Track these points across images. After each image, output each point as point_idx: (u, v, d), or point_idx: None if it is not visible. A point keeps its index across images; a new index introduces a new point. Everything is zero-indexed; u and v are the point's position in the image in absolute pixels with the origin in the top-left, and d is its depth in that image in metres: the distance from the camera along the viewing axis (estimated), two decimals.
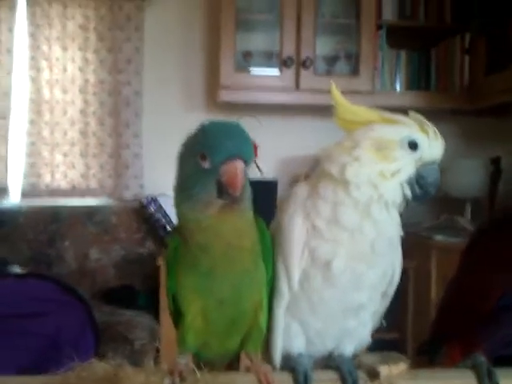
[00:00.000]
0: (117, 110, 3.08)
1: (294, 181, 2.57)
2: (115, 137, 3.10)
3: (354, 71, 3.02)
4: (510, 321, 1.00)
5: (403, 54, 3.16)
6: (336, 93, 0.86)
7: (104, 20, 3.09)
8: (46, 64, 3.08)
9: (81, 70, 3.10)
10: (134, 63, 3.09)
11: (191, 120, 3.12)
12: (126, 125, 3.07)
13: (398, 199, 0.83)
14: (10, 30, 3.04)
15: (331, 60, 3.12)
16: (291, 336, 0.88)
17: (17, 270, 2.23)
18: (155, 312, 2.47)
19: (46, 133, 3.08)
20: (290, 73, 2.93)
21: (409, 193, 0.83)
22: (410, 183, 0.82)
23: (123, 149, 3.08)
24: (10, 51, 3.04)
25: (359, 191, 0.80)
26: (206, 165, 0.76)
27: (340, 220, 0.81)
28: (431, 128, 0.82)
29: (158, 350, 2.17)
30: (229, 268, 0.80)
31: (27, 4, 3.03)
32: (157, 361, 0.81)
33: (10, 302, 1.88)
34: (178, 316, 0.87)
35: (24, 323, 1.84)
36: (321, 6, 2.99)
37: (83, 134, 3.11)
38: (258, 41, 3.12)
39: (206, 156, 0.76)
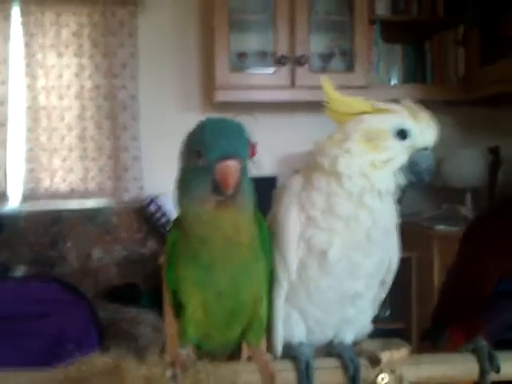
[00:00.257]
0: (114, 113, 3.09)
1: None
2: (113, 140, 3.11)
3: (349, 67, 3.03)
4: (509, 305, 1.01)
5: (398, 48, 3.18)
6: (327, 86, 0.86)
7: (97, 26, 3.09)
8: (42, 71, 3.08)
9: (76, 75, 3.11)
10: (129, 67, 3.10)
11: (188, 121, 3.12)
12: (124, 128, 3.08)
13: (392, 187, 0.83)
14: (5, 39, 3.05)
15: (326, 57, 3.12)
16: (291, 325, 0.88)
17: (22, 269, 2.24)
18: (159, 309, 2.48)
19: (43, 139, 3.09)
20: (285, 70, 2.94)
21: (403, 180, 0.83)
22: (403, 171, 0.83)
23: (122, 151, 3.09)
24: (5, 61, 3.05)
25: (351, 182, 0.81)
26: (202, 162, 0.77)
27: (334, 210, 0.81)
28: (423, 114, 0.83)
29: (162, 346, 2.17)
30: (227, 261, 0.81)
31: (21, 14, 3.05)
32: (160, 355, 0.81)
33: (13, 304, 1.89)
34: (178, 308, 0.87)
35: (28, 324, 1.85)
36: (314, 3, 3.00)
37: (81, 138, 3.12)
38: (252, 41, 3.13)
39: (201, 153, 0.77)
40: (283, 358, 0.88)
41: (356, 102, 0.85)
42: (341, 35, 3.12)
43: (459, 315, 1.05)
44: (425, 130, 0.82)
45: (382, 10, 3.07)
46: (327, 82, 0.86)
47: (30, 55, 3.07)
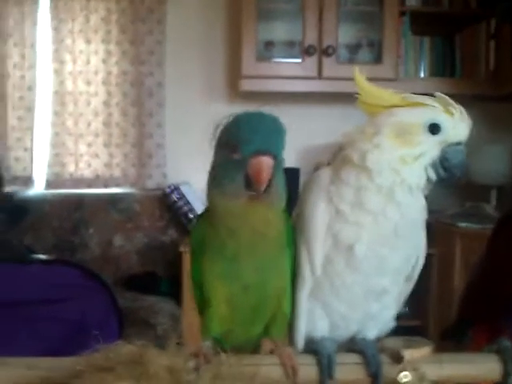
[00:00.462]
0: (140, 100, 3.11)
1: (316, 168, 2.56)
2: (138, 127, 3.13)
3: (377, 59, 2.99)
4: None
5: (427, 40, 3.12)
6: (359, 77, 0.85)
7: (126, 13, 3.10)
8: (70, 57, 3.11)
9: (104, 61, 3.13)
10: (156, 55, 3.11)
11: (213, 110, 3.18)
12: (150, 115, 3.10)
13: (422, 183, 0.82)
14: (34, 24, 3.08)
15: (354, 48, 3.09)
16: (315, 320, 0.88)
17: (42, 257, 2.27)
18: (177, 298, 2.50)
19: (69, 124, 3.13)
20: (312, 61, 2.92)
21: (433, 176, 0.82)
22: (434, 166, 0.81)
23: (146, 138, 3.10)
24: (33, 45, 3.08)
25: (381, 177, 0.80)
26: (237, 156, 0.77)
27: (364, 204, 0.80)
28: (457, 108, 0.81)
29: (180, 335, 2.19)
30: (254, 254, 0.81)
31: None
32: (180, 345, 0.82)
33: (35, 288, 1.92)
34: (203, 304, 0.87)
35: (49, 309, 1.88)
36: None
37: (106, 124, 3.15)
38: (279, 30, 3.11)
39: (236, 148, 0.77)
40: (305, 353, 0.88)
41: (387, 95, 0.84)
42: (369, 26, 3.08)
43: (484, 315, 1.04)
44: (458, 125, 0.81)
45: (412, 1, 3.03)
46: (359, 73, 0.85)
47: (58, 40, 3.09)
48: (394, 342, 0.87)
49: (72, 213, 2.96)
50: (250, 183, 0.76)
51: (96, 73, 3.13)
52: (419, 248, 0.88)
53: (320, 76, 2.92)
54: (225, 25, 3.21)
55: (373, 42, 3.05)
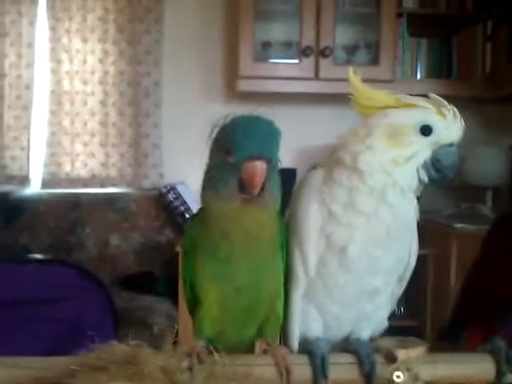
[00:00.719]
0: (136, 100, 3.11)
1: (312, 169, 2.56)
2: (135, 127, 3.13)
3: (374, 60, 3.00)
4: None
5: (424, 42, 3.14)
6: (354, 78, 0.85)
7: (123, 12, 3.10)
8: (67, 56, 3.11)
9: (100, 61, 3.13)
10: (153, 54, 3.10)
11: (210, 110, 3.18)
12: (146, 115, 3.10)
13: (414, 184, 0.82)
14: (31, 23, 3.08)
15: (351, 49, 3.10)
16: (308, 320, 0.88)
17: (38, 257, 2.27)
18: (174, 298, 2.50)
19: (66, 123, 3.12)
20: (309, 62, 2.92)
21: (425, 177, 0.82)
22: (426, 167, 0.82)
23: (143, 138, 3.10)
24: (31, 44, 3.08)
25: (373, 178, 0.80)
26: (231, 159, 0.77)
27: (356, 205, 0.81)
28: (450, 110, 0.81)
29: (176, 336, 2.19)
30: (247, 256, 0.81)
31: None
32: (176, 345, 0.82)
33: (31, 288, 1.92)
34: (194, 304, 0.88)
35: (45, 309, 1.87)
36: None
37: (103, 124, 3.14)
38: (277, 31, 3.12)
39: (231, 152, 0.77)
40: (299, 353, 0.88)
41: (381, 96, 0.84)
42: (366, 28, 3.09)
43: (480, 315, 1.04)
44: (450, 126, 0.81)
45: (409, 2, 3.04)
46: (354, 74, 0.85)
47: (55, 39, 3.09)
48: (388, 342, 0.87)
49: (68, 212, 2.96)
50: (243, 187, 0.77)
51: (93, 72, 3.13)
52: (411, 249, 0.88)
53: (317, 77, 2.93)
54: (222, 25, 3.22)
55: (370, 44, 3.05)
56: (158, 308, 2.45)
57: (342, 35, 3.06)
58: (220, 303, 0.84)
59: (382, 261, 0.83)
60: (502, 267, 1.02)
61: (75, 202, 2.99)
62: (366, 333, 0.89)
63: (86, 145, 3.15)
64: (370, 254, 0.82)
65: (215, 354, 0.79)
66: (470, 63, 3.08)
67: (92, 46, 3.13)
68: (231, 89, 3.15)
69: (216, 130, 0.81)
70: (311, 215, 0.83)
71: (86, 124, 3.14)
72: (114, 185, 3.16)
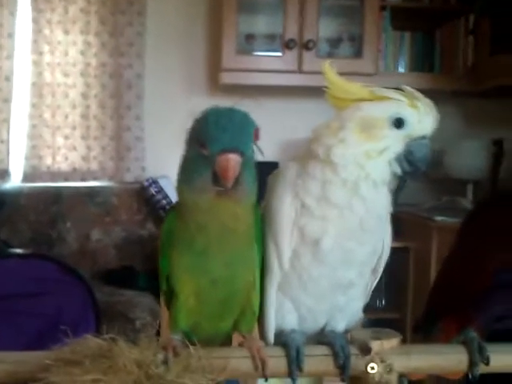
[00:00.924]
0: (118, 92, 3.08)
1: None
2: (116, 119, 3.10)
3: (358, 53, 3.00)
4: (503, 297, 1.01)
5: (407, 35, 3.15)
6: (328, 70, 0.85)
7: (105, 4, 3.07)
8: (48, 47, 3.07)
9: (82, 53, 3.10)
10: (135, 46, 3.08)
11: (193, 103, 3.16)
12: (128, 107, 3.08)
13: (387, 177, 0.83)
14: (12, 14, 3.03)
15: (334, 42, 3.10)
16: (283, 313, 0.89)
17: (18, 251, 2.25)
18: (155, 292, 2.49)
19: (47, 116, 3.09)
20: (292, 55, 2.92)
21: (398, 170, 0.82)
22: (399, 160, 0.82)
23: (124, 131, 3.08)
24: (11, 35, 3.03)
25: (346, 171, 0.80)
26: (205, 152, 0.77)
27: (329, 198, 0.81)
28: (423, 102, 0.82)
29: (158, 331, 2.19)
30: (222, 249, 0.81)
31: None
32: (151, 338, 0.82)
33: (11, 281, 1.90)
34: (170, 296, 0.88)
35: (25, 303, 1.86)
36: None
37: (84, 116, 3.11)
38: (260, 23, 3.11)
39: (204, 144, 0.77)
40: (275, 345, 0.88)
41: (355, 88, 0.84)
42: (350, 21, 3.10)
43: (453, 306, 1.06)
44: (423, 119, 0.81)
45: None
46: (328, 66, 0.85)
47: (36, 31, 3.05)
48: (363, 334, 0.88)
49: (49, 206, 2.93)
50: (217, 179, 0.77)
51: (74, 64, 3.10)
52: (384, 241, 0.89)
53: (300, 70, 2.93)
54: (205, 17, 3.20)
55: (353, 37, 3.06)
56: (139, 302, 2.44)
57: (326, 28, 3.06)
58: (196, 295, 0.84)
59: (355, 253, 0.84)
60: (474, 259, 1.03)
61: (56, 195, 2.96)
62: (340, 325, 0.90)
63: (67, 138, 3.12)
64: (344, 246, 0.82)
65: (191, 347, 0.79)
66: (453, 57, 3.10)
67: (74, 37, 3.09)
68: (214, 81, 3.14)
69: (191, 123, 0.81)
70: (285, 208, 0.84)
71: (67, 117, 3.11)
72: (95, 178, 3.14)
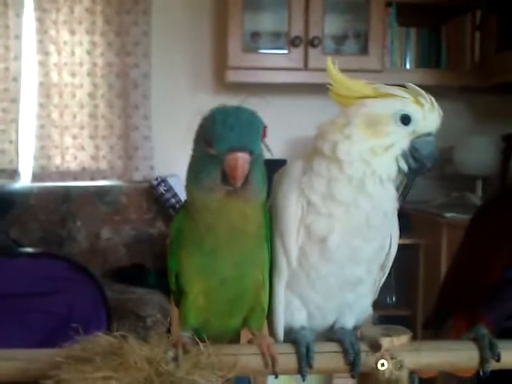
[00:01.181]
0: (125, 92, 3.09)
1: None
2: (124, 119, 3.11)
3: (363, 50, 2.99)
4: None
5: (413, 31, 3.12)
6: (331, 67, 0.85)
7: (111, 3, 3.08)
8: (54, 48, 3.08)
9: (88, 53, 3.10)
10: (141, 46, 3.08)
11: (199, 101, 3.16)
12: (135, 107, 3.08)
13: (393, 174, 0.82)
14: (18, 15, 3.04)
15: (340, 39, 3.09)
16: (293, 311, 0.89)
17: (29, 250, 2.26)
18: (165, 290, 2.49)
19: (55, 116, 3.10)
20: (298, 52, 2.91)
21: (404, 166, 0.82)
22: (405, 157, 0.82)
23: (132, 130, 3.09)
24: (18, 36, 3.05)
25: (352, 168, 0.80)
26: (213, 151, 0.77)
27: (335, 195, 0.81)
28: (427, 99, 0.81)
29: (169, 329, 2.19)
30: (231, 248, 0.81)
31: None
32: (161, 336, 0.82)
33: (22, 280, 1.92)
34: (179, 295, 0.88)
35: (37, 302, 1.87)
36: None
37: (92, 116, 3.12)
38: (266, 21, 3.10)
39: (212, 143, 0.77)
40: (284, 342, 0.88)
41: (359, 86, 0.84)
42: (355, 17, 3.08)
43: (463, 303, 1.05)
44: (428, 116, 0.81)
45: None
46: (331, 64, 0.85)
47: (42, 31, 3.06)
48: (373, 331, 0.87)
49: (59, 206, 2.94)
50: (226, 179, 0.76)
51: (81, 64, 3.11)
52: (392, 237, 0.89)
53: (306, 67, 2.92)
54: (211, 15, 3.20)
55: (359, 33, 3.04)
56: (150, 300, 2.44)
57: (331, 25, 3.05)
58: (205, 294, 0.84)
59: (362, 250, 0.84)
60: (484, 254, 1.03)
61: (66, 195, 2.97)
62: (350, 322, 0.90)
63: (75, 137, 3.13)
64: (350, 243, 0.82)
65: (200, 344, 0.79)
66: (459, 53, 3.08)
67: (80, 37, 3.10)
68: (220, 79, 3.14)
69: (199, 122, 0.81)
70: (291, 206, 0.83)
71: (75, 116, 3.12)
72: (104, 177, 3.15)
